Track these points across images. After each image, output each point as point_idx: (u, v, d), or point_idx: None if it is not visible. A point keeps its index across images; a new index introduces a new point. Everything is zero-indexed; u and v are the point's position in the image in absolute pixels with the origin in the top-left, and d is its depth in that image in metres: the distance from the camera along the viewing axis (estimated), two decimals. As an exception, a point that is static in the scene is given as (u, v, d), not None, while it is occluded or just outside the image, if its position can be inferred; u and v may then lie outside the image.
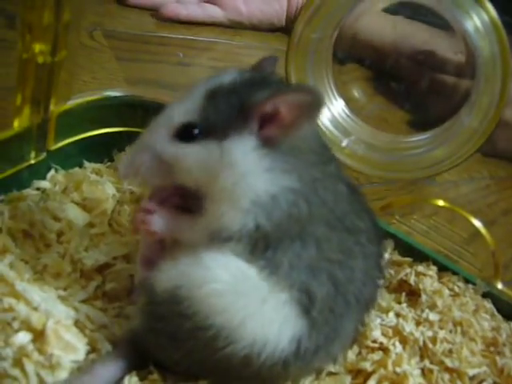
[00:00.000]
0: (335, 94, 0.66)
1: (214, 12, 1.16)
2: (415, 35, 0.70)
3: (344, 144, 0.64)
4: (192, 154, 0.46)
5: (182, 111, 0.47)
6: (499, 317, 0.64)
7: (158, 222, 0.49)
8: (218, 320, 0.44)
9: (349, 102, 0.67)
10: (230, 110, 0.45)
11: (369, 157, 0.64)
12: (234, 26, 1.18)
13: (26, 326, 0.47)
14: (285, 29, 1.19)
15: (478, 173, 0.76)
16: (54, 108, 0.58)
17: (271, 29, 1.22)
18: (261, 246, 0.46)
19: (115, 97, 0.65)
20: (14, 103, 0.54)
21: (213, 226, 0.46)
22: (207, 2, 1.18)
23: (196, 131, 0.46)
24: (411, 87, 0.70)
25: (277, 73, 0.51)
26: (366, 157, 0.63)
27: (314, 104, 0.44)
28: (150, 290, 0.48)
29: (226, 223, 0.45)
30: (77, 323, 0.51)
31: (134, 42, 1.04)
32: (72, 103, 0.60)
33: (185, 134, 0.46)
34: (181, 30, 1.14)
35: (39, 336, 0.47)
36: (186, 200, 0.49)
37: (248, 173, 0.45)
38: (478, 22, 0.56)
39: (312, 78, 0.63)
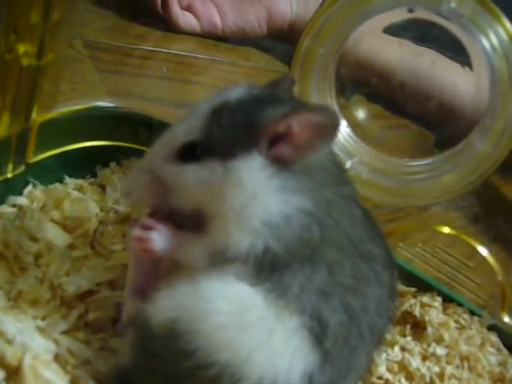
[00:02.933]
0: (338, 114, 0.63)
1: (190, 21, 1.16)
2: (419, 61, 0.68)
3: (347, 166, 0.61)
4: (193, 174, 0.43)
5: (184, 130, 0.44)
6: (505, 351, 0.61)
7: (157, 239, 0.44)
8: (222, 356, 0.40)
9: (351, 122, 0.64)
10: (236, 128, 0.42)
11: (373, 181, 0.61)
12: (209, 37, 1.18)
13: (-1, 361, 0.41)
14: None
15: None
16: (36, 117, 0.52)
17: (249, 41, 1.22)
18: (267, 268, 0.42)
19: (102, 108, 0.61)
20: (-8, 110, 0.48)
21: (218, 246, 0.42)
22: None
23: (198, 150, 0.43)
24: (417, 109, 0.67)
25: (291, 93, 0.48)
26: (370, 181, 0.60)
27: (330, 125, 0.41)
28: (144, 324, 0.43)
29: (233, 243, 0.42)
30: (57, 358, 0.45)
31: (116, 53, 0.99)
32: (55, 112, 0.55)
33: (187, 153, 0.44)
34: (163, 44, 1.11)
35: (14, 373, 0.42)
36: (185, 219, 0.45)
37: (258, 192, 0.42)
38: (494, 40, 0.54)
39: (316, 95, 0.59)
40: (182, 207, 0.44)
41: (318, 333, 0.41)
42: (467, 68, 0.62)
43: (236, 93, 0.44)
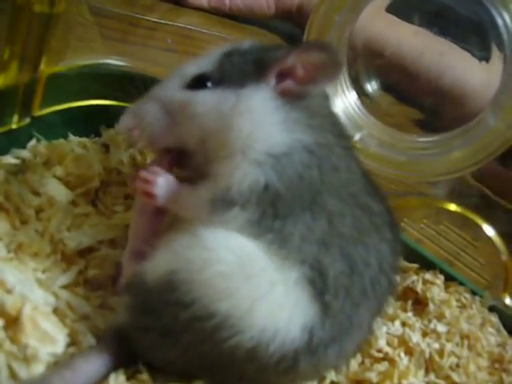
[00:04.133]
0: (349, 85, 0.62)
1: None
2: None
3: (356, 138, 0.60)
4: (203, 100, 0.44)
5: (195, 65, 0.46)
6: (505, 332, 0.61)
7: (161, 183, 0.45)
8: (223, 306, 0.39)
9: (362, 95, 0.63)
10: (246, 64, 0.45)
11: (381, 154, 0.60)
12: (216, 13, 1.16)
13: (-2, 310, 0.40)
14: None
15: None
16: (45, 68, 0.51)
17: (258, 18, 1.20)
18: (269, 213, 0.42)
19: (110, 65, 0.59)
20: (1, 57, 0.47)
21: (219, 187, 0.42)
22: None
23: (209, 82, 0.45)
24: (426, 88, 0.66)
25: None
26: (378, 154, 0.59)
27: (331, 63, 0.43)
28: (139, 281, 0.42)
29: (237, 178, 0.42)
30: (56, 311, 0.45)
31: (122, 22, 0.97)
32: (64, 66, 0.54)
33: (197, 84, 0.45)
34: (170, 16, 1.09)
35: (12, 323, 0.41)
36: (187, 164, 0.46)
37: (264, 121, 0.43)
38: (512, 16, 0.53)
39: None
40: (187, 141, 0.45)
41: (319, 284, 0.41)
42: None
43: (246, 43, 0.47)
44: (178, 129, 0.45)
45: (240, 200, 0.42)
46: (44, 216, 0.51)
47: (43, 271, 0.47)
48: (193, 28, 1.10)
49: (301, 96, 0.44)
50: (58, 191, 0.53)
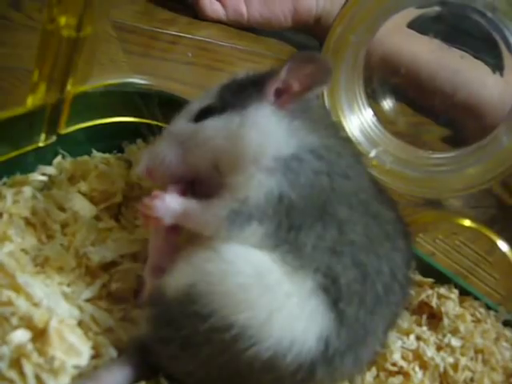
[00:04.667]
0: (365, 103, 0.63)
1: (217, 9, 1.17)
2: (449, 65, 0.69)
3: (372, 155, 0.61)
4: (210, 126, 0.47)
5: (199, 101, 0.50)
6: (519, 347, 0.61)
7: (160, 206, 0.46)
8: (241, 318, 0.40)
9: (378, 112, 0.64)
10: (245, 89, 0.48)
11: (397, 171, 0.61)
12: (234, 26, 1.19)
13: (26, 322, 0.42)
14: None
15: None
16: (71, 89, 0.53)
17: (274, 31, 1.22)
18: (284, 225, 0.43)
19: (132, 84, 0.61)
20: (31, 79, 0.49)
21: (235, 201, 0.44)
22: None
23: (213, 112, 0.48)
24: (443, 104, 0.67)
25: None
26: (394, 170, 0.60)
27: (320, 70, 0.46)
28: (160, 295, 0.44)
29: (253, 187, 0.44)
30: (81, 324, 0.47)
31: (143, 36, 1.00)
32: (89, 86, 0.56)
33: (202, 115, 0.48)
34: (189, 30, 1.11)
35: (40, 335, 0.42)
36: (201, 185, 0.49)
37: (271, 131, 0.45)
38: (529, 35, 0.54)
39: (344, 84, 0.60)
40: (200, 167, 0.47)
41: (333, 292, 0.42)
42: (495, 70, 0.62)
43: (241, 74, 0.50)
44: (190, 157, 0.48)
45: (257, 213, 0.43)
46: (69, 231, 0.53)
47: (68, 285, 0.49)
48: (211, 41, 1.13)
49: (299, 100, 0.47)
50: (82, 206, 0.55)
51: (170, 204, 0.46)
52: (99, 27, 0.52)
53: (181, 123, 0.49)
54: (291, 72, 0.46)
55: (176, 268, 0.44)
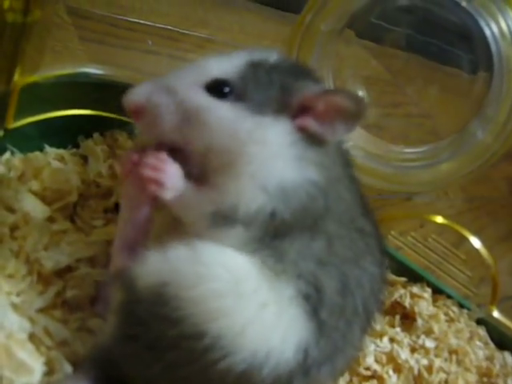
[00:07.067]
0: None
1: None
2: None
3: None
4: (220, 115, 0.42)
5: (217, 67, 0.43)
6: (492, 345, 0.60)
7: (173, 175, 0.41)
8: (214, 327, 0.37)
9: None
10: (271, 86, 0.43)
11: (368, 166, 0.59)
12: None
13: (-30, 339, 0.38)
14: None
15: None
16: (18, 79, 0.49)
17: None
18: (270, 233, 0.41)
19: (87, 74, 0.57)
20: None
21: (224, 204, 0.40)
22: None
23: (227, 89, 0.42)
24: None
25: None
26: (365, 166, 0.58)
27: (354, 111, 0.42)
28: (129, 285, 0.40)
29: (245, 201, 0.40)
30: (32, 337, 0.43)
31: (101, 22, 0.95)
32: (38, 76, 0.52)
33: (216, 89, 0.42)
34: (151, 17, 1.07)
35: (-15, 352, 0.39)
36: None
37: (279, 155, 0.41)
38: (504, 26, 0.52)
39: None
40: (191, 144, 0.42)
41: (314, 301, 0.40)
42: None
43: (273, 55, 0.45)
44: (187, 130, 0.42)
45: (244, 221, 0.40)
46: (19, 234, 0.49)
47: (18, 294, 0.45)
48: (173, 28, 1.08)
49: (317, 139, 0.42)
50: (33, 207, 0.51)
51: (177, 177, 0.42)
52: (50, 12, 0.48)
53: (189, 84, 0.42)
54: (326, 96, 0.42)
55: (150, 258, 0.40)
